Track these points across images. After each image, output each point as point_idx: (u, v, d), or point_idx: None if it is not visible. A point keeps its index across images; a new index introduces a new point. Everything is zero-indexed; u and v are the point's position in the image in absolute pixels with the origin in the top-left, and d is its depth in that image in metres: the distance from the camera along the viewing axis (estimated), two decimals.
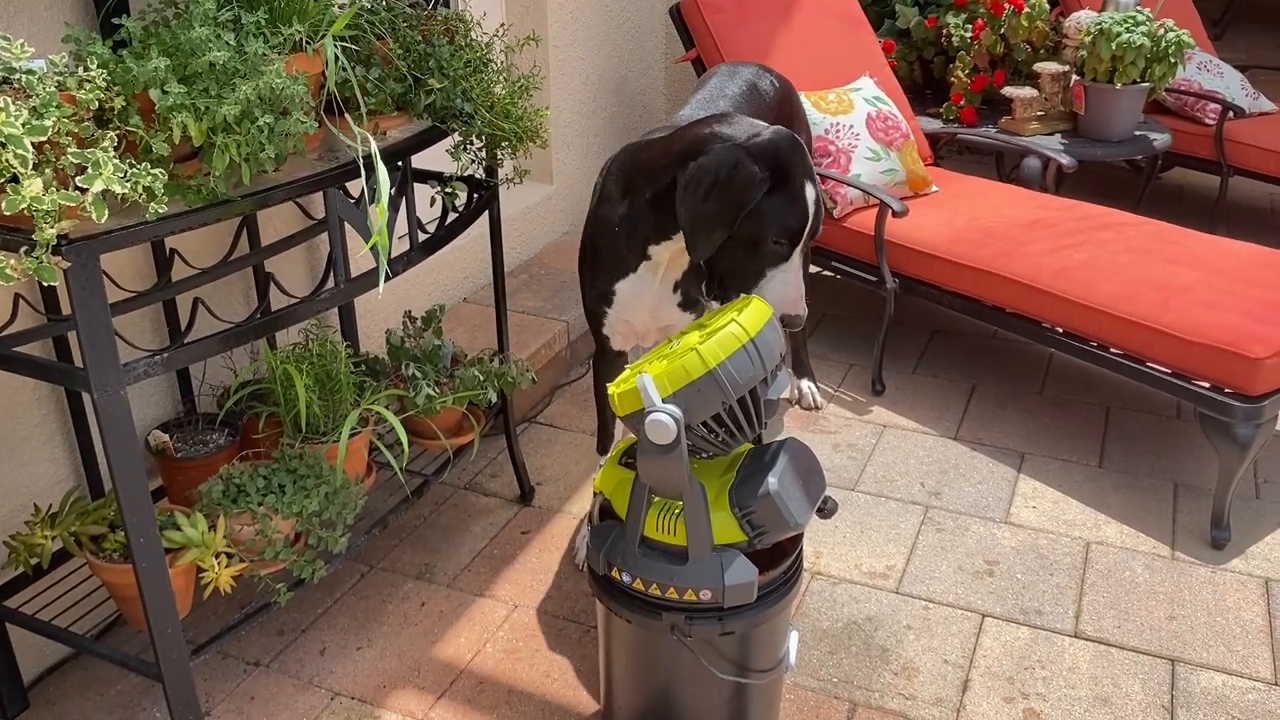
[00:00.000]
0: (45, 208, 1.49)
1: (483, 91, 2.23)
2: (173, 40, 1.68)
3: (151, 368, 1.68)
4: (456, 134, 2.21)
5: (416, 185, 2.24)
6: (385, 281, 1.86)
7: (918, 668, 2.29)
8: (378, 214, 1.79)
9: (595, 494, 1.95)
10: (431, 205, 2.30)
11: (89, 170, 1.52)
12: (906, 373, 3.49)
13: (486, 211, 2.49)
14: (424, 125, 2.15)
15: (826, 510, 2.00)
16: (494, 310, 2.67)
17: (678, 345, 1.79)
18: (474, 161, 2.39)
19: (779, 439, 1.90)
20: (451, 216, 2.29)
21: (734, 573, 1.77)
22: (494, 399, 2.47)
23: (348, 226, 1.97)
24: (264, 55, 1.73)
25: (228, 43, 1.70)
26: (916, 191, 3.54)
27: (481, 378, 2.42)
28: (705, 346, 1.70)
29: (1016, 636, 2.37)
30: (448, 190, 2.24)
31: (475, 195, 2.42)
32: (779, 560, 1.87)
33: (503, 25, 2.44)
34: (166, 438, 2.24)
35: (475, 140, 2.29)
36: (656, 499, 1.81)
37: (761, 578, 1.81)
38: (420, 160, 2.21)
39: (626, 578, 1.82)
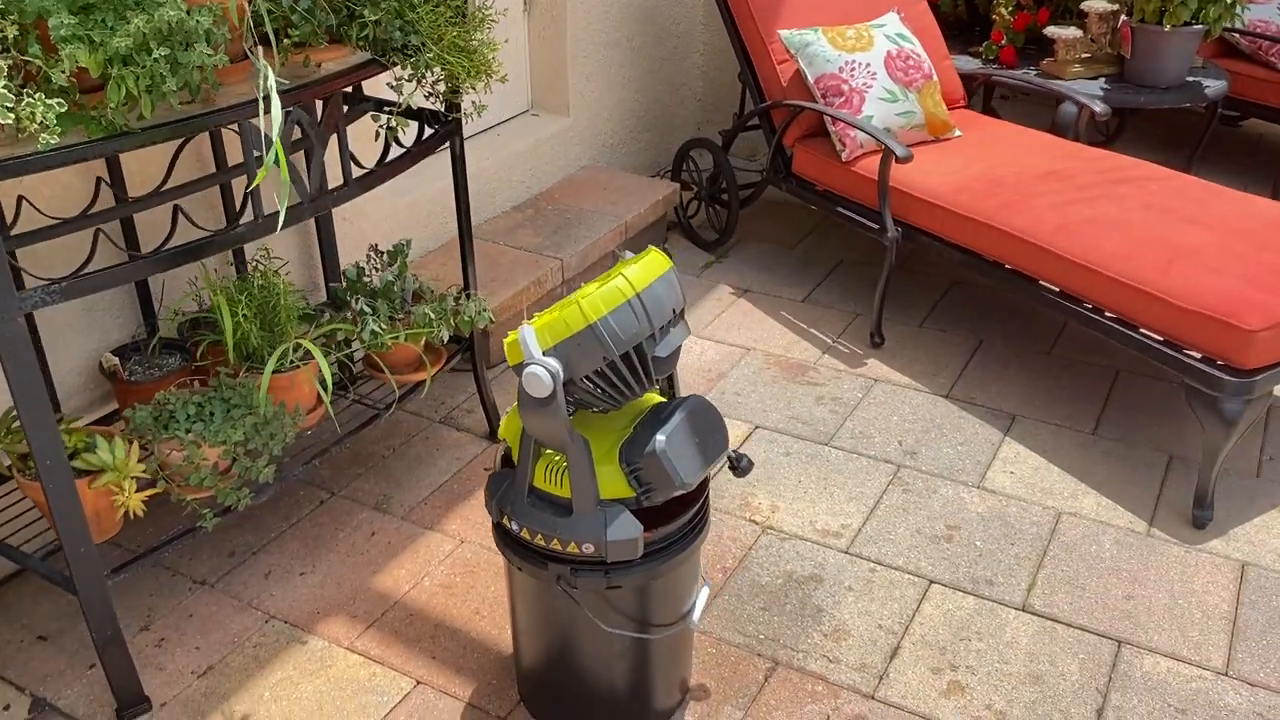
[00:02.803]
0: None
1: (433, 23, 2.18)
2: None
3: (50, 296, 1.72)
4: (399, 67, 2.17)
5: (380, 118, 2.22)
6: (285, 224, 1.85)
7: (849, 631, 2.24)
8: (278, 153, 1.78)
9: (499, 440, 1.94)
10: (375, 139, 2.28)
11: None
12: (913, 325, 3.38)
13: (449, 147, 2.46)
14: (364, 58, 2.12)
15: (741, 468, 1.96)
16: (490, 246, 2.64)
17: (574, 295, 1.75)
18: (430, 96, 2.36)
19: (681, 395, 1.86)
20: (397, 151, 2.27)
21: (617, 528, 1.74)
22: (445, 338, 2.46)
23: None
24: None
25: None
26: (936, 136, 3.38)
27: (434, 316, 2.42)
28: (587, 300, 1.66)
29: (960, 606, 2.30)
30: (390, 126, 2.21)
31: (436, 129, 2.39)
32: (674, 516, 1.83)
33: None
34: (116, 360, 2.30)
35: (428, 73, 2.25)
36: (547, 450, 1.80)
37: (653, 533, 1.79)
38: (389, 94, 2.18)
39: (515, 526, 1.81)
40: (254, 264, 2.35)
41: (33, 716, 2.05)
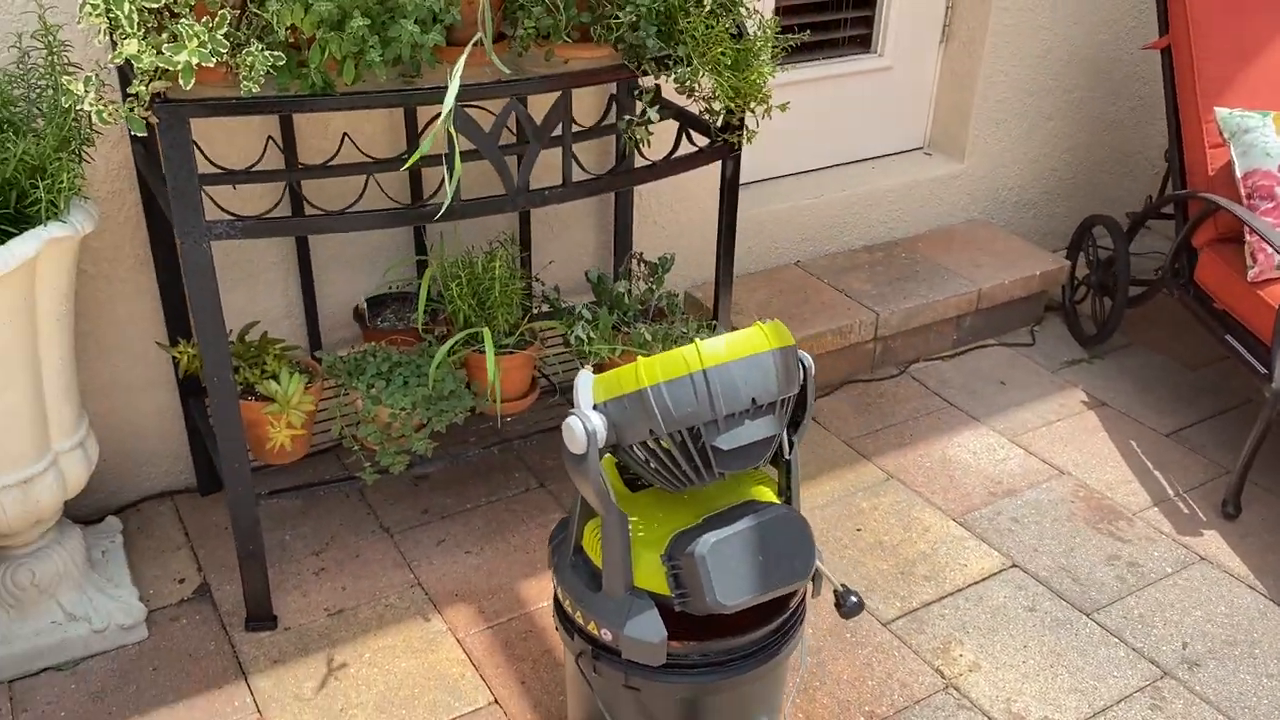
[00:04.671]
0: (143, 66, 1.69)
1: (705, 36, 2.03)
2: None
3: (232, 230, 1.85)
4: (651, 77, 2.05)
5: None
6: (477, 214, 1.82)
7: None
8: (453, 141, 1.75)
9: None
10: (617, 142, 2.18)
11: (177, 41, 1.69)
12: None
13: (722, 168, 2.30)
14: (617, 61, 2.03)
15: (846, 607, 1.63)
16: (809, 280, 2.48)
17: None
18: (706, 113, 2.21)
19: (789, 500, 1.57)
20: (639, 162, 2.16)
21: (637, 625, 1.52)
22: None
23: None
24: None
25: None
26: None
27: (649, 338, 2.29)
28: (648, 360, 1.44)
29: None
30: (631, 136, 2.10)
31: (700, 149, 2.24)
32: (728, 632, 1.56)
33: None
34: (365, 305, 2.45)
35: (696, 86, 2.11)
36: None
37: (682, 645, 1.54)
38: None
39: (554, 581, 1.65)
40: (493, 244, 2.37)
41: (194, 598, 2.28)
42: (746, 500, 1.59)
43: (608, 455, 1.73)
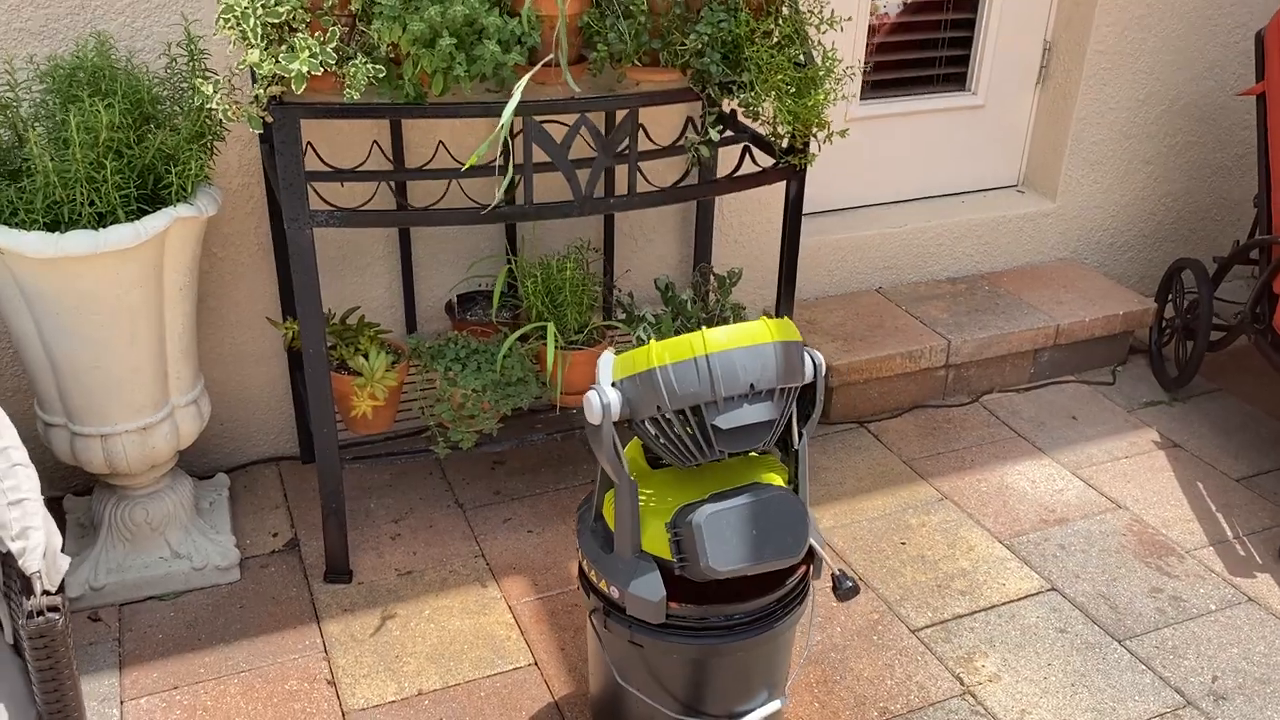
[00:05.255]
0: (263, 72, 1.97)
1: (770, 62, 2.20)
2: None
3: (331, 219, 2.11)
4: (713, 102, 2.22)
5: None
6: (547, 217, 2.03)
7: None
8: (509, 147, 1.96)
9: None
10: (689, 150, 2.34)
11: (293, 52, 1.96)
12: None
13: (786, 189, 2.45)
14: (684, 84, 2.21)
15: (841, 590, 1.75)
16: (887, 306, 2.63)
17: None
18: (772, 136, 2.37)
19: (773, 486, 1.71)
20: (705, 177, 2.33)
21: (640, 584, 1.68)
22: None
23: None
24: None
25: None
26: None
27: None
28: (659, 344, 1.61)
29: None
30: (695, 151, 2.27)
31: (763, 169, 2.40)
32: (730, 599, 1.70)
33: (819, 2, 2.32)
34: (455, 299, 2.69)
35: (760, 109, 2.27)
36: None
37: (680, 606, 1.69)
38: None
39: (578, 542, 1.83)
40: (571, 247, 2.58)
41: (284, 550, 2.54)
42: (747, 483, 1.73)
43: (635, 438, 1.91)
